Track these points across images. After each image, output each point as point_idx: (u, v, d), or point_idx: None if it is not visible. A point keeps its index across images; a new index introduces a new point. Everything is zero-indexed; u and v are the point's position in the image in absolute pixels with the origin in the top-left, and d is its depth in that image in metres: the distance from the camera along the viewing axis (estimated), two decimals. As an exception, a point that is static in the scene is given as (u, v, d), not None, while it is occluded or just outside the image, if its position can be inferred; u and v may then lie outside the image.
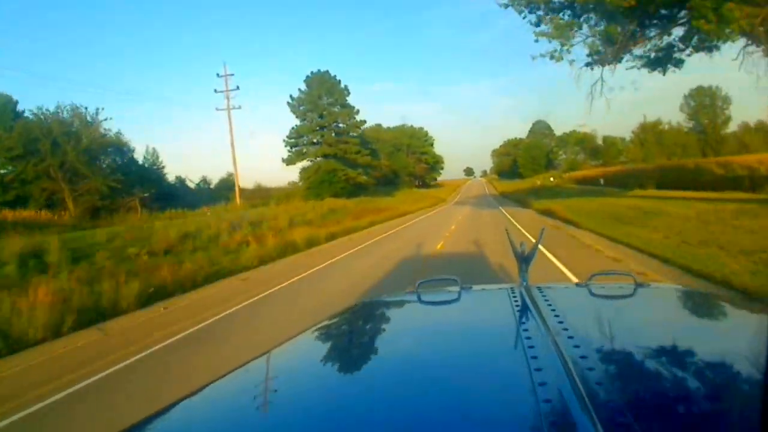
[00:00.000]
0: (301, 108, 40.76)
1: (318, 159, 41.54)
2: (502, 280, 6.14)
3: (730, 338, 1.03)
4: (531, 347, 0.82)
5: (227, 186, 46.27)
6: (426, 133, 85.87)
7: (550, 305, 1.10)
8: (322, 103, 41.05)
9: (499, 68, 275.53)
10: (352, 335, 1.35)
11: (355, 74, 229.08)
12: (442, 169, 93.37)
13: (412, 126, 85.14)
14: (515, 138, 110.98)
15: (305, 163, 42.13)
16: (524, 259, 1.50)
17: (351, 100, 43.24)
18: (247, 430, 0.76)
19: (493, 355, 0.93)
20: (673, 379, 0.76)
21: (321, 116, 41.18)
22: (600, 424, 0.55)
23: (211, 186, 48.76)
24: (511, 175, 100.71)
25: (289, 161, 41.05)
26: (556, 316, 1.00)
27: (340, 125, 42.99)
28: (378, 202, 39.56)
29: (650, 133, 76.61)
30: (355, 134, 43.60)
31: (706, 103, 76.40)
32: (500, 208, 34.48)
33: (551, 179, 57.24)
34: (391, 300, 1.65)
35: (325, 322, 1.33)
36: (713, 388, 0.74)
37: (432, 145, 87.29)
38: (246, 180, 63.09)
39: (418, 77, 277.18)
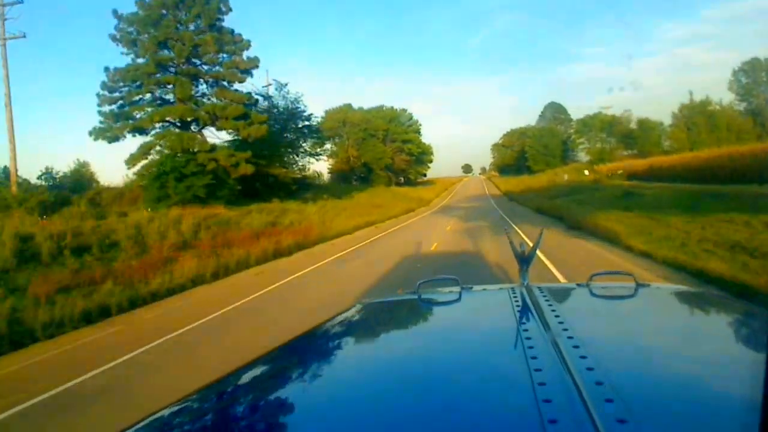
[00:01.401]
0: (133, 33, 20.58)
1: (166, 128, 21.58)
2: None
3: (730, 338, 1.03)
4: (531, 347, 0.82)
5: (83, 181, 28.29)
6: (410, 116, 67.47)
7: (550, 305, 1.09)
8: (169, 23, 20.58)
9: (499, 65, 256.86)
10: (353, 335, 1.33)
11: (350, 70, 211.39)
12: (430, 162, 75.11)
13: (392, 107, 66.80)
14: (522, 126, 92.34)
15: (145, 139, 21.21)
16: (524, 260, 1.46)
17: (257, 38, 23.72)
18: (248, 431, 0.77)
19: (493, 355, 0.93)
20: (673, 379, 0.76)
21: (165, 46, 20.81)
22: (599, 424, 0.56)
23: (56, 180, 30.12)
24: (517, 170, 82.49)
25: (101, 134, 20.05)
26: (557, 316, 0.99)
27: (214, 69, 22.42)
28: (290, 215, 21.50)
29: (699, 116, 58.94)
30: (240, 87, 23.75)
31: (761, 80, 60.17)
32: (516, 227, 16.23)
33: (586, 173, 38.82)
34: (392, 300, 1.65)
35: (326, 323, 1.32)
36: (713, 388, 0.74)
37: (418, 132, 68.91)
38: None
39: (415, 76, 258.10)
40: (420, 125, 68.69)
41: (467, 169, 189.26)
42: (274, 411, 0.83)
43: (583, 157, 64.88)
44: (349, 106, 61.12)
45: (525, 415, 0.63)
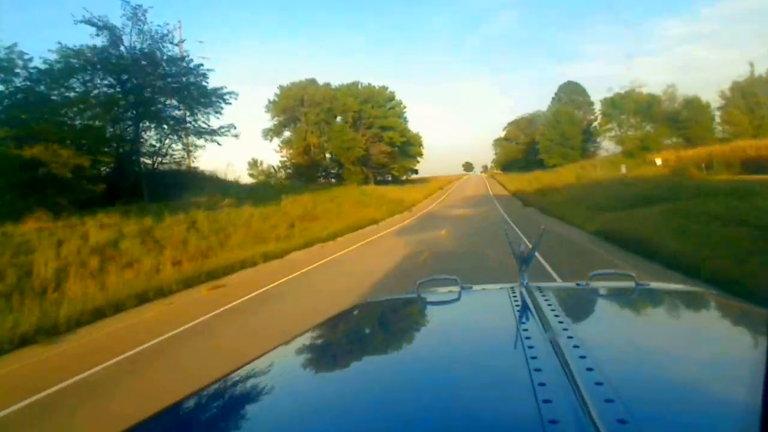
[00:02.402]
0: None
1: None
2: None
3: (730, 338, 1.02)
4: (531, 347, 0.82)
5: None
6: (391, 96, 53.18)
7: (550, 305, 1.09)
8: None
9: (501, 64, 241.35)
10: (353, 335, 1.33)
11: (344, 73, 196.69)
12: (420, 155, 61.00)
13: (369, 85, 52.71)
14: (530, 113, 78.23)
15: None
16: (524, 260, 1.44)
17: None
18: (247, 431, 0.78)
19: (493, 355, 0.92)
20: (673, 379, 0.76)
21: None
22: (600, 425, 0.56)
23: None
24: (524, 166, 68.69)
25: None
26: (556, 316, 1.00)
27: None
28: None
29: (763, 94, 45.41)
30: None
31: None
32: None
33: (658, 162, 24.61)
34: (391, 300, 1.63)
35: (326, 323, 1.32)
36: (713, 388, 0.73)
37: (403, 117, 54.87)
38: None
39: (415, 75, 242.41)
40: (404, 108, 54.66)
41: (468, 167, 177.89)
42: (272, 411, 0.82)
43: (612, 147, 51.04)
44: (312, 81, 47.21)
45: (525, 415, 0.62)
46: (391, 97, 52.84)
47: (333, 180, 48.43)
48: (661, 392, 0.69)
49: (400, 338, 1.21)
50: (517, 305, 1.12)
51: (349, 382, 0.91)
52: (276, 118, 45.98)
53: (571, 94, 62.94)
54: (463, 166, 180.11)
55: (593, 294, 1.33)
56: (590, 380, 0.66)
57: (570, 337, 0.84)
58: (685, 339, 0.99)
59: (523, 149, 76.44)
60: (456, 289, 1.40)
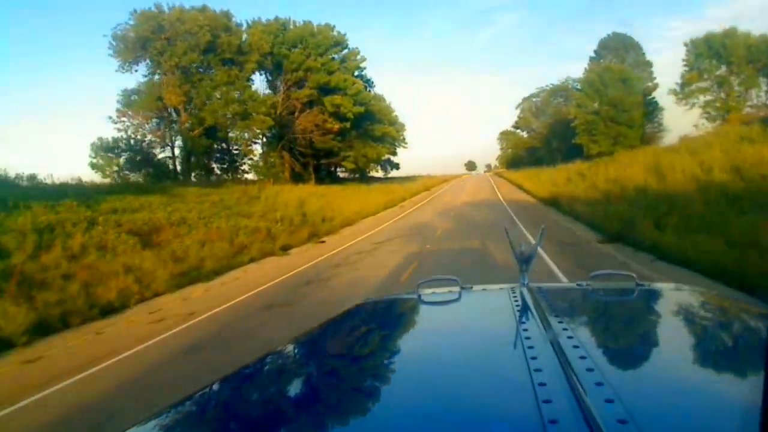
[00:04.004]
0: None
1: None
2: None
3: (730, 338, 1.03)
4: (531, 347, 0.82)
5: None
6: (340, 40, 33.01)
7: (550, 305, 1.10)
8: None
9: (505, 64, 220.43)
10: (353, 335, 1.33)
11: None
12: (399, 141, 41.02)
13: (310, 24, 32.71)
14: (552, 85, 57.59)
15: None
16: (525, 260, 1.45)
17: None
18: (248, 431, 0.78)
19: (493, 355, 0.93)
20: (673, 379, 0.76)
21: None
22: (600, 425, 0.56)
23: None
24: (544, 158, 48.71)
25: None
26: (556, 316, 1.00)
27: None
28: None
29: None
30: None
31: None
32: None
33: None
34: (391, 300, 1.64)
35: (326, 323, 1.34)
36: (713, 388, 0.74)
37: (360, 75, 34.93)
38: None
39: (417, 75, 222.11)
40: (364, 61, 34.65)
41: (471, 166, 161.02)
42: (273, 411, 0.83)
43: (698, 120, 30.92)
44: (201, 10, 27.23)
45: (525, 415, 0.63)
46: (340, 41, 32.80)
47: (248, 175, 28.81)
48: (661, 392, 0.69)
49: (400, 338, 1.20)
50: (518, 305, 1.11)
51: (349, 382, 0.92)
52: (128, 65, 26.16)
53: (618, 51, 42.65)
54: (465, 165, 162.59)
55: (594, 294, 1.33)
56: (590, 380, 0.66)
57: (570, 337, 0.83)
58: (685, 339, 0.99)
59: (543, 136, 56.17)
60: (456, 289, 1.39)
